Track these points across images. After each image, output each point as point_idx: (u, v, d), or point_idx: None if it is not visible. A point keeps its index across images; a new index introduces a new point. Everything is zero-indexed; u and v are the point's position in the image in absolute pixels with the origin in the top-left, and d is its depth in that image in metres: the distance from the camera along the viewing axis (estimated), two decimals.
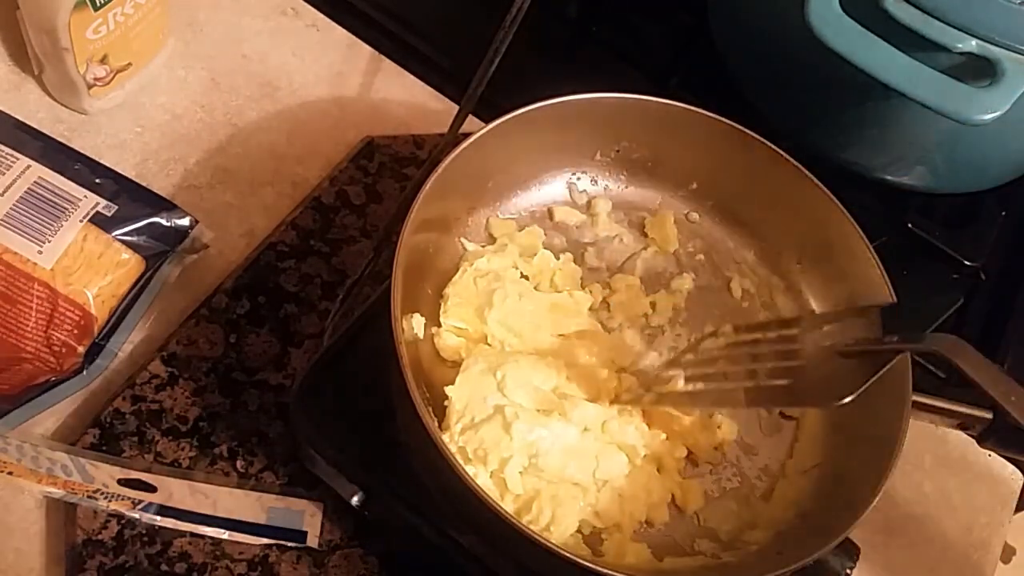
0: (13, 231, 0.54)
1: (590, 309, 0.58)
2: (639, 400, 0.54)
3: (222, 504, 0.53)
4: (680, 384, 0.54)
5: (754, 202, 0.61)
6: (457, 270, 0.56)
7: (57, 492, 0.51)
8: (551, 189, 0.61)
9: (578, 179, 0.61)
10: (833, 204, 0.57)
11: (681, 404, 0.55)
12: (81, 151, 0.60)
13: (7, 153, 0.57)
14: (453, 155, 0.52)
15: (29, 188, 0.56)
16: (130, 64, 0.64)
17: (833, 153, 0.70)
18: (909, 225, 0.73)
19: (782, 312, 0.60)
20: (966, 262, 0.72)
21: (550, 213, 0.61)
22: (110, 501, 0.51)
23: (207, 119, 0.67)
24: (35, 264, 0.54)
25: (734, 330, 0.58)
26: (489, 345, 0.54)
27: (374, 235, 0.63)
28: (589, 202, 0.61)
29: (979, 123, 0.56)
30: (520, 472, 0.50)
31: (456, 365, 0.53)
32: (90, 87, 0.62)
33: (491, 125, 0.54)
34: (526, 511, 0.49)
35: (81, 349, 0.55)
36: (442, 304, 0.55)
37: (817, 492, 0.53)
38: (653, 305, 0.59)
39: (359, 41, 0.73)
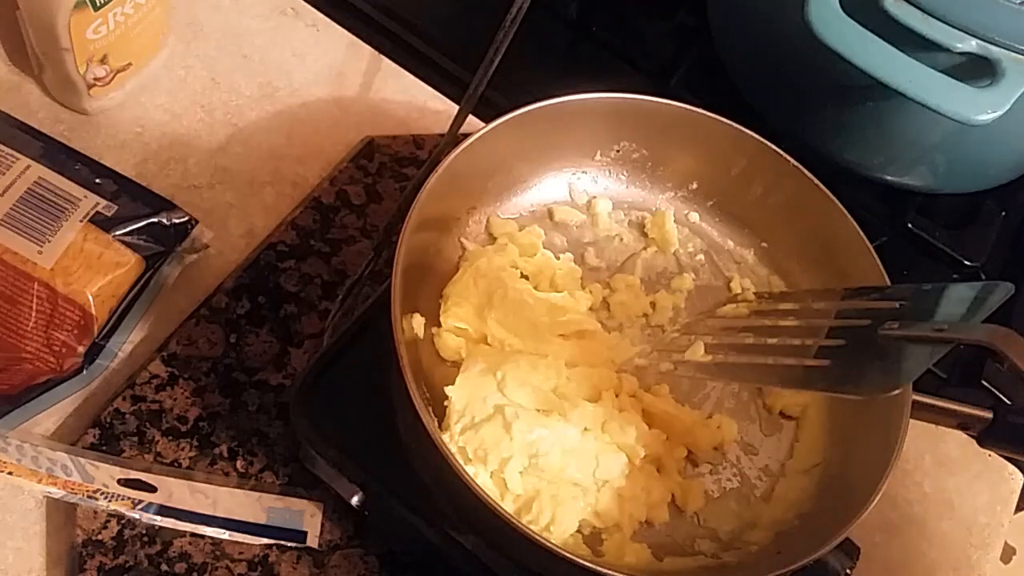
0: (13, 231, 0.54)
1: (590, 309, 0.58)
2: (655, 367, 0.52)
3: (222, 504, 0.53)
4: (700, 352, 0.53)
5: (754, 202, 0.61)
6: (457, 270, 0.56)
7: (57, 492, 0.51)
8: (551, 189, 0.61)
9: (578, 179, 0.61)
10: (833, 204, 0.57)
11: (703, 374, 0.52)
12: (81, 151, 0.60)
13: (7, 153, 0.57)
14: (453, 155, 0.52)
15: (29, 188, 0.56)
16: (130, 64, 0.64)
17: (833, 153, 0.70)
18: (909, 225, 0.73)
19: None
20: (966, 262, 0.72)
21: (550, 213, 0.61)
22: (110, 501, 0.51)
23: (207, 119, 0.67)
24: (35, 264, 0.54)
25: (757, 299, 0.55)
26: (489, 345, 0.54)
27: (374, 235, 0.63)
28: (589, 202, 0.61)
29: (979, 123, 0.56)
30: (520, 472, 0.49)
31: (456, 365, 0.53)
32: (90, 87, 0.62)
33: (491, 125, 0.54)
34: (526, 511, 0.49)
35: (81, 349, 0.54)
36: (442, 304, 0.55)
37: (817, 492, 0.53)
38: (653, 305, 0.59)
39: (359, 41, 0.73)
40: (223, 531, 0.52)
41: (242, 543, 0.53)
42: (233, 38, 0.71)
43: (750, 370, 0.51)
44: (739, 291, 0.61)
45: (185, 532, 0.52)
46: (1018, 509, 0.67)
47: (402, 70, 0.73)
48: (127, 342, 0.57)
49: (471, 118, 0.63)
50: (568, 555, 0.44)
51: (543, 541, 0.44)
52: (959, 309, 0.45)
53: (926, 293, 0.48)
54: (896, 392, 0.42)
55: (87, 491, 0.51)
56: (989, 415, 0.52)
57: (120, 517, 0.52)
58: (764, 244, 0.62)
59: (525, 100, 0.54)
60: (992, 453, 0.66)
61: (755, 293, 0.57)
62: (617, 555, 0.50)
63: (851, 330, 0.48)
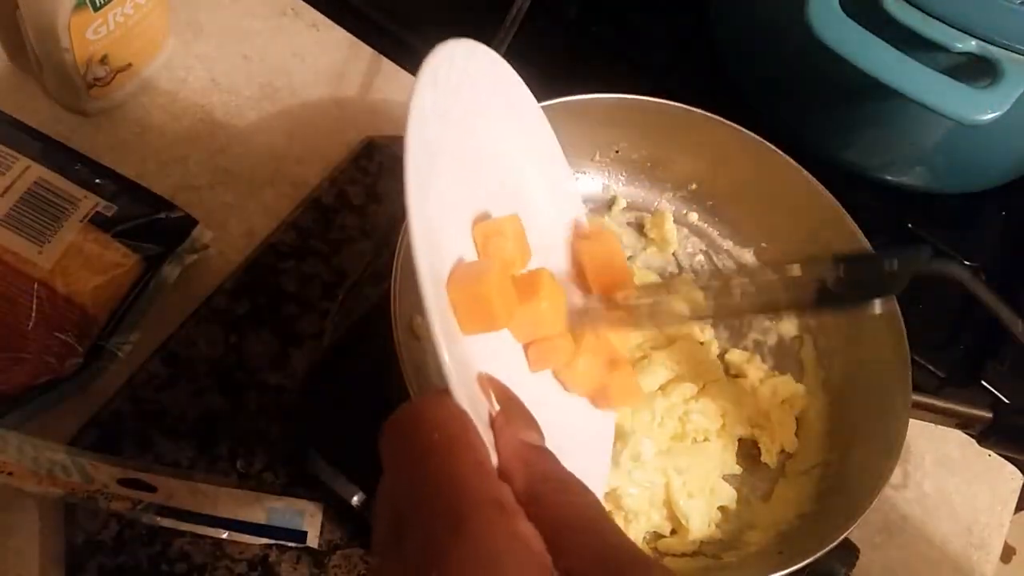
0: (13, 231, 0.54)
1: None
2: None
3: (222, 504, 0.53)
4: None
5: (753, 202, 0.61)
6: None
7: (57, 492, 0.51)
8: None
9: (577, 179, 0.61)
10: (832, 204, 0.57)
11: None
12: (81, 151, 0.60)
13: (7, 153, 0.57)
14: None
15: (29, 188, 0.56)
16: (130, 64, 0.64)
17: (833, 153, 0.70)
18: (909, 225, 0.73)
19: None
20: (966, 262, 0.72)
21: None
22: (110, 501, 0.51)
23: (207, 119, 0.67)
24: (35, 264, 0.54)
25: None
26: None
27: (374, 236, 0.63)
28: (589, 203, 0.61)
29: (979, 123, 0.56)
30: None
31: None
32: (90, 87, 0.62)
33: None
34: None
35: (81, 349, 0.54)
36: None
37: (817, 492, 0.53)
38: None
39: (359, 41, 0.73)
40: (223, 531, 0.52)
41: (242, 543, 0.53)
42: (233, 39, 0.71)
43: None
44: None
45: (185, 532, 0.52)
46: (1018, 509, 0.67)
47: (402, 70, 0.73)
48: (127, 342, 0.57)
49: None
50: None
51: None
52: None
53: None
54: (878, 308, 0.41)
55: (87, 491, 0.51)
56: (989, 415, 0.52)
57: (120, 517, 0.52)
58: (763, 244, 0.62)
59: None
60: (992, 453, 0.66)
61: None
62: None
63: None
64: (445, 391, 0.30)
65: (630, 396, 0.46)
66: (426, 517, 0.27)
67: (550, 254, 0.45)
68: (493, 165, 0.42)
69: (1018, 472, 0.67)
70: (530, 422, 0.33)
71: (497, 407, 0.32)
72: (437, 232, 0.35)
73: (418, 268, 0.32)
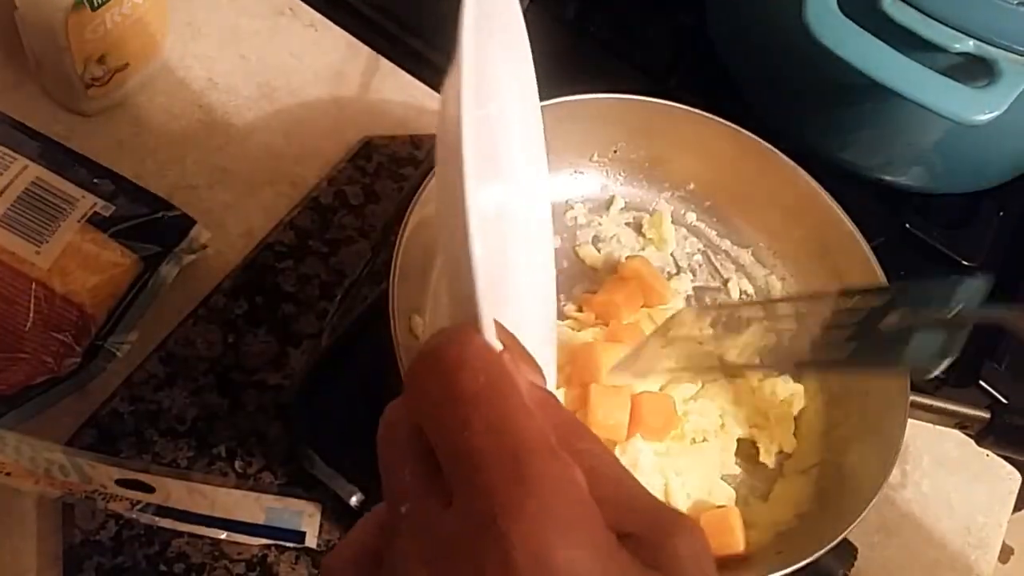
0: (11, 231, 0.54)
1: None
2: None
3: (220, 504, 0.53)
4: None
5: (751, 202, 0.61)
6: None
7: (55, 493, 0.51)
8: (549, 189, 0.61)
9: (576, 179, 0.61)
10: (831, 205, 0.57)
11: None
12: (79, 151, 0.60)
13: (5, 153, 0.57)
14: None
15: (27, 188, 0.56)
16: (128, 64, 0.64)
17: (831, 153, 0.70)
18: (907, 226, 0.73)
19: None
20: (964, 262, 0.72)
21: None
22: (108, 501, 0.51)
23: (205, 119, 0.67)
24: (33, 264, 0.54)
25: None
26: None
27: (372, 235, 0.63)
28: (587, 202, 0.61)
29: (977, 123, 0.56)
30: None
31: None
32: (88, 87, 0.62)
33: None
34: None
35: (79, 349, 0.54)
36: None
37: (816, 492, 0.53)
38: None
39: (357, 41, 0.73)
40: (221, 531, 0.52)
41: (240, 543, 0.53)
42: (231, 38, 0.71)
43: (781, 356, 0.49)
44: (737, 294, 0.61)
45: (183, 532, 0.52)
46: (1016, 509, 0.67)
47: (400, 70, 0.73)
48: (125, 342, 0.57)
49: None
50: None
51: None
52: (951, 297, 0.44)
53: (913, 288, 0.47)
54: (942, 368, 0.40)
55: (85, 491, 0.51)
56: (987, 415, 0.52)
57: (118, 517, 0.52)
58: (762, 244, 0.62)
59: None
60: (990, 453, 0.66)
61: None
62: None
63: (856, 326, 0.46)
64: (475, 328, 0.28)
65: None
66: (482, 465, 0.26)
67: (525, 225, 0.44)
68: (496, 122, 0.41)
69: (1016, 472, 0.67)
70: (534, 365, 0.31)
71: (500, 346, 0.30)
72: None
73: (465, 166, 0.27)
